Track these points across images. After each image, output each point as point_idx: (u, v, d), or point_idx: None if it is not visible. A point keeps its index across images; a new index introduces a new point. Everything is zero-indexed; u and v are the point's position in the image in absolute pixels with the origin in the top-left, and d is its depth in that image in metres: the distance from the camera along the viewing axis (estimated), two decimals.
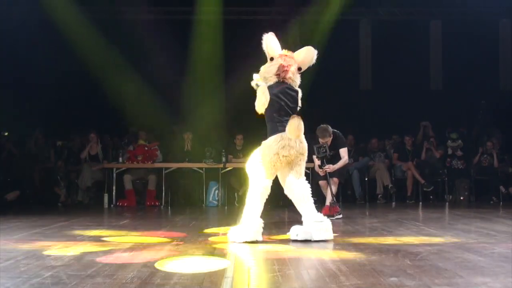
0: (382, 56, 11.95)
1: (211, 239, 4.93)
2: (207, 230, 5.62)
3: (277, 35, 4.87)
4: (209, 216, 7.96)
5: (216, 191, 9.60)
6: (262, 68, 4.82)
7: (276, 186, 4.89)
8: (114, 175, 9.48)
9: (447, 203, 9.96)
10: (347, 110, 11.73)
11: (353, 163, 10.05)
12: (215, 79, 11.44)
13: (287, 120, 4.62)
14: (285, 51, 4.80)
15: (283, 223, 6.25)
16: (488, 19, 11.96)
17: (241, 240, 4.56)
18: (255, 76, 4.83)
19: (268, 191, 4.68)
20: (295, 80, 4.80)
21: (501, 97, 12.18)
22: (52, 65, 10.91)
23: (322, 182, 7.07)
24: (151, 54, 11.45)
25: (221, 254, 4.06)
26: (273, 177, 4.73)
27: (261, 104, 4.67)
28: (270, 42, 4.77)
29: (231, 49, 11.39)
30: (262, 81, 4.77)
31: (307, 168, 7.16)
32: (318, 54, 4.86)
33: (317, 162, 6.96)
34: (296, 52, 4.85)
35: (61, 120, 10.84)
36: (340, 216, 6.83)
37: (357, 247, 4.36)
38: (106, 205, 9.20)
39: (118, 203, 9.32)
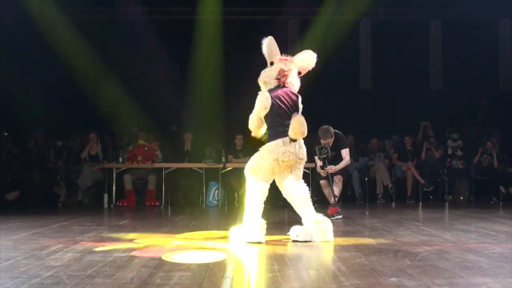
0: (382, 56, 11.95)
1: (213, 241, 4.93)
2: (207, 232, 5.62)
3: (277, 36, 4.88)
4: (209, 216, 7.97)
5: (216, 191, 9.60)
6: (263, 73, 4.83)
7: (276, 186, 4.89)
8: (114, 175, 9.48)
9: (447, 203, 9.96)
10: (347, 110, 11.73)
11: (353, 163, 10.01)
12: (215, 79, 11.44)
13: (289, 125, 4.63)
14: (284, 55, 4.81)
15: (283, 223, 6.25)
16: (488, 19, 11.96)
17: (243, 240, 4.56)
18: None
19: (266, 193, 4.68)
20: (295, 84, 4.81)
21: (501, 97, 12.18)
22: (52, 65, 10.91)
23: (322, 182, 7.07)
24: (151, 54, 11.45)
25: (222, 251, 4.07)
26: (271, 181, 4.74)
27: (263, 107, 4.66)
28: (269, 46, 4.77)
29: (232, 49, 11.39)
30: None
31: (306, 168, 7.19)
32: (318, 54, 4.87)
33: (319, 163, 6.95)
34: (296, 56, 4.86)
35: (61, 120, 10.83)
36: (340, 216, 6.82)
37: (357, 247, 4.36)
38: (106, 205, 9.20)
39: (118, 203, 9.32)
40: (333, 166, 6.87)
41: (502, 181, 10.38)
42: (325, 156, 6.72)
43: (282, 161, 4.59)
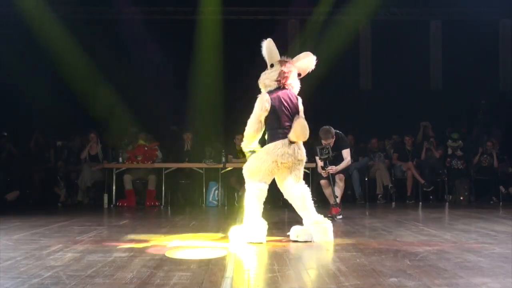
0: (382, 56, 11.95)
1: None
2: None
3: (277, 36, 4.88)
4: (209, 216, 7.97)
5: (216, 191, 9.60)
6: (263, 75, 4.84)
7: (276, 187, 4.90)
8: (114, 175, 9.48)
9: (447, 203, 9.96)
10: (347, 110, 11.72)
11: (353, 163, 10.00)
12: (215, 79, 11.44)
13: (289, 127, 4.65)
14: (284, 57, 4.82)
15: (283, 223, 6.25)
16: (488, 19, 11.96)
17: (244, 240, 4.56)
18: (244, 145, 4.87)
19: (264, 193, 4.69)
20: (295, 86, 4.83)
21: (501, 97, 12.18)
22: (52, 65, 10.91)
23: (323, 182, 7.06)
24: (151, 55, 11.45)
25: (222, 249, 4.08)
26: (270, 182, 4.75)
27: (263, 109, 4.66)
28: (269, 48, 4.78)
29: (232, 49, 11.39)
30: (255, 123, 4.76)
31: (306, 168, 7.18)
32: (318, 55, 4.88)
33: (320, 163, 6.95)
34: (296, 58, 4.88)
35: (61, 120, 10.83)
36: (340, 217, 6.83)
37: (357, 247, 4.36)
38: (106, 205, 9.20)
39: (118, 203, 9.32)
40: (334, 166, 6.87)
41: (502, 181, 10.37)
42: (326, 156, 6.72)
43: (281, 162, 4.61)
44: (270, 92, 4.73)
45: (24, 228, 5.75)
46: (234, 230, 4.70)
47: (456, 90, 11.79)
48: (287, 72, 4.73)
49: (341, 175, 7.05)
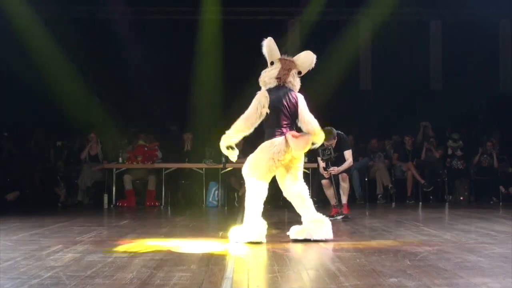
0: (382, 56, 11.94)
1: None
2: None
3: (277, 36, 4.89)
4: (209, 217, 7.97)
5: (216, 192, 9.60)
6: (263, 73, 4.86)
7: (276, 187, 4.90)
8: (114, 175, 9.48)
9: (447, 203, 9.95)
10: (347, 110, 11.71)
11: (353, 164, 10.03)
12: (215, 79, 11.43)
13: (286, 126, 4.66)
14: (284, 56, 4.83)
15: (283, 223, 6.24)
16: (488, 19, 11.95)
17: (244, 240, 4.56)
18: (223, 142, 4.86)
19: (265, 192, 4.69)
20: (295, 84, 4.83)
21: (501, 97, 12.17)
22: (52, 65, 10.91)
23: (325, 182, 7.04)
24: (151, 55, 11.46)
25: (222, 252, 4.07)
26: (269, 180, 4.75)
27: (262, 106, 4.66)
28: (269, 46, 4.80)
29: (232, 49, 11.39)
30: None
31: (306, 168, 7.17)
32: (318, 55, 4.89)
33: (321, 164, 6.94)
34: (296, 57, 4.89)
35: (61, 120, 10.82)
36: (340, 217, 6.83)
37: (357, 247, 4.36)
38: (106, 205, 9.20)
39: (118, 203, 9.32)
40: (335, 167, 6.86)
41: (502, 181, 10.37)
42: (328, 157, 6.71)
43: (278, 160, 4.62)
44: (269, 90, 4.73)
45: (24, 228, 5.75)
46: (234, 230, 4.70)
47: (456, 90, 11.78)
48: (287, 70, 4.74)
49: (344, 175, 7.03)
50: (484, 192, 10.41)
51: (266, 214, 4.78)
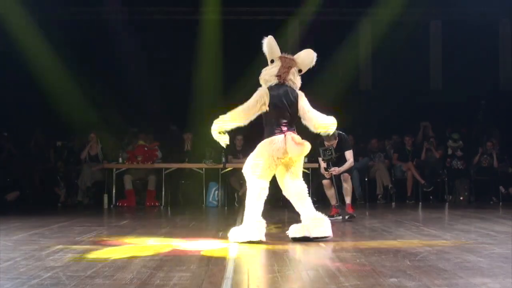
0: (382, 56, 11.93)
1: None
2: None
3: (277, 36, 4.90)
4: (209, 217, 7.97)
5: (216, 192, 9.60)
6: (263, 71, 4.87)
7: (276, 187, 4.90)
8: (114, 175, 9.48)
9: (447, 204, 9.96)
10: (347, 110, 11.69)
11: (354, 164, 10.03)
12: (215, 79, 11.43)
13: (286, 124, 4.67)
14: (285, 54, 4.84)
15: (283, 223, 6.24)
16: (488, 19, 11.94)
17: (243, 239, 4.56)
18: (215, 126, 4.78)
19: (266, 191, 4.69)
20: (296, 82, 4.83)
21: (501, 97, 12.16)
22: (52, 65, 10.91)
23: (325, 182, 7.02)
24: (151, 55, 11.45)
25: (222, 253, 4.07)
26: (270, 178, 4.74)
27: (262, 102, 4.67)
28: (270, 45, 4.81)
29: (232, 49, 11.38)
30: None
31: (306, 168, 7.17)
32: (318, 55, 4.89)
33: (322, 164, 6.93)
34: (296, 55, 4.90)
35: (61, 120, 10.82)
36: (340, 217, 6.83)
37: (356, 247, 4.36)
38: (106, 205, 9.20)
39: (118, 203, 9.32)
40: (337, 167, 6.85)
41: (502, 181, 10.36)
42: (329, 157, 6.70)
43: (277, 157, 4.62)
44: (270, 88, 4.74)
45: (24, 228, 5.75)
46: (233, 230, 4.70)
47: (456, 90, 11.78)
48: (287, 68, 4.75)
49: (346, 175, 7.01)
50: (484, 192, 10.40)
51: (266, 214, 4.78)
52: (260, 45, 4.85)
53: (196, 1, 11.33)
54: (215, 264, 3.63)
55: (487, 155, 10.47)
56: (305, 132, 4.91)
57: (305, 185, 4.83)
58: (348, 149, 7.03)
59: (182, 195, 10.07)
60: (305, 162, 5.04)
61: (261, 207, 4.68)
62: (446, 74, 12.33)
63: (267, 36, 4.84)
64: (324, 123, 4.82)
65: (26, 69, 10.69)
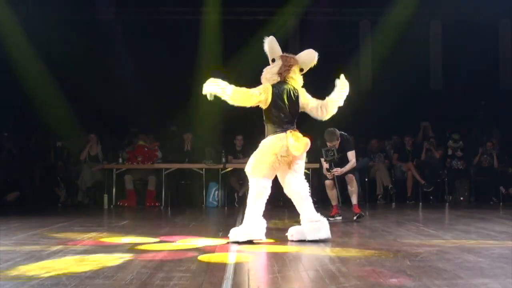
0: (383, 56, 11.92)
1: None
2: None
3: (277, 36, 4.92)
4: (209, 217, 7.96)
5: (216, 192, 9.58)
6: (265, 70, 4.89)
7: (276, 186, 4.90)
8: (114, 175, 9.47)
9: (447, 204, 9.95)
10: (347, 110, 11.67)
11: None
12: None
13: (287, 122, 4.68)
14: (286, 53, 4.87)
15: (283, 224, 6.24)
16: (488, 19, 11.94)
17: (244, 239, 4.56)
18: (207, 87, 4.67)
19: (268, 191, 4.70)
20: (297, 80, 4.84)
21: (501, 97, 12.16)
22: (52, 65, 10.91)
23: (328, 182, 7.02)
24: (151, 54, 11.44)
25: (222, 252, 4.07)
26: (272, 177, 4.74)
27: (264, 98, 4.67)
28: (271, 44, 4.84)
29: (232, 49, 11.38)
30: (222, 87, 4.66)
31: (306, 168, 7.16)
32: (318, 55, 4.90)
33: (325, 165, 6.93)
34: (298, 54, 4.90)
35: (61, 120, 10.82)
36: (340, 217, 6.83)
37: (357, 248, 4.37)
38: (106, 205, 9.20)
39: (118, 203, 9.32)
40: (339, 168, 6.84)
41: (502, 181, 10.35)
42: (331, 158, 6.70)
43: (281, 156, 4.62)
44: (272, 86, 4.75)
45: (23, 228, 5.75)
46: (234, 230, 4.70)
47: (456, 90, 11.77)
48: (288, 66, 4.78)
49: (351, 176, 6.99)
50: (484, 192, 10.40)
51: (266, 214, 4.78)
52: (259, 45, 4.86)
53: (196, 1, 11.33)
54: (215, 265, 3.63)
55: (487, 155, 10.47)
56: (307, 132, 4.91)
57: (307, 184, 4.85)
58: (350, 149, 7.02)
59: (182, 195, 10.06)
60: (305, 162, 5.03)
61: (262, 206, 4.69)
62: (446, 74, 12.32)
63: (267, 36, 4.87)
64: (337, 89, 4.88)
65: (26, 69, 10.70)
